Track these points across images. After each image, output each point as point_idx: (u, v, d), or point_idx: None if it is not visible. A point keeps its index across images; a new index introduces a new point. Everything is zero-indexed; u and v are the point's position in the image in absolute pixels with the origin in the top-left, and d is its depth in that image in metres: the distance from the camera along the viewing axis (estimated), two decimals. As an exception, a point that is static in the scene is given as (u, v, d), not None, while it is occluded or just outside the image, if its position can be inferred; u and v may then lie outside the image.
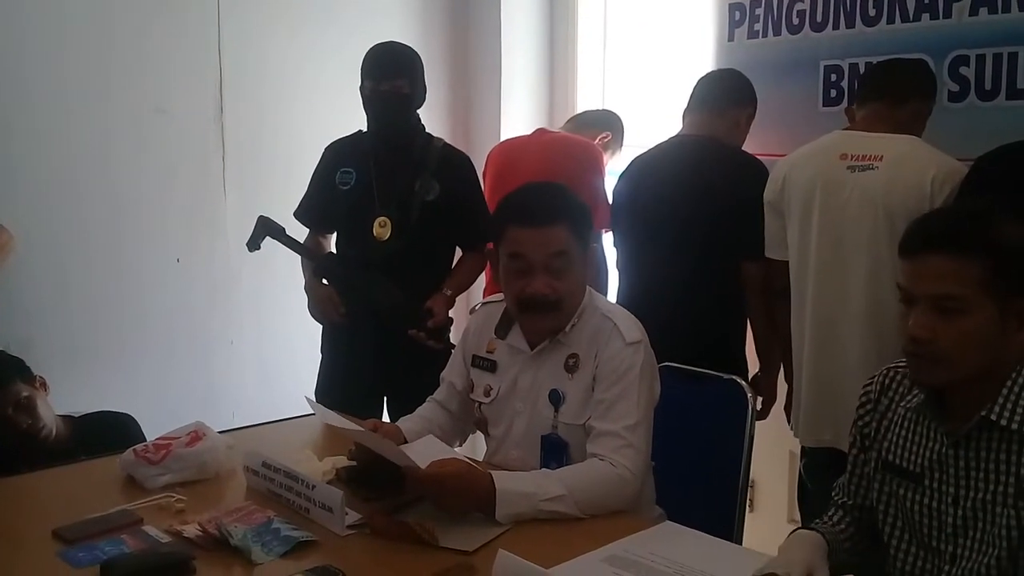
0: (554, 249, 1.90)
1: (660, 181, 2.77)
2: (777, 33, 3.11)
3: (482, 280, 3.24)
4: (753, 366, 2.81)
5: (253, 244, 2.77)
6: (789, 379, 2.71)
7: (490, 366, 2.07)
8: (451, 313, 2.80)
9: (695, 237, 2.68)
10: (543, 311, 1.93)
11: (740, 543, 2.08)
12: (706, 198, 2.66)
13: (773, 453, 3.04)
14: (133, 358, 3.29)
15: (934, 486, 1.53)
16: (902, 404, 1.61)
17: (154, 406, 2.97)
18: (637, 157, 2.96)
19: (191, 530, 1.66)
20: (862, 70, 2.83)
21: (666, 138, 2.89)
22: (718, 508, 2.14)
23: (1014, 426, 1.45)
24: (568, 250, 1.92)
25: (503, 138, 3.80)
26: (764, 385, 2.76)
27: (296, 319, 3.03)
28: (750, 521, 2.25)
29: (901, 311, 1.52)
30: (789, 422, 2.70)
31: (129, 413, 2.69)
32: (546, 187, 2.09)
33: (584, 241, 1.97)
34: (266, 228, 2.75)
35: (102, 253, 3.22)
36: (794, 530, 1.66)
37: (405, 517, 1.72)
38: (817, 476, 2.58)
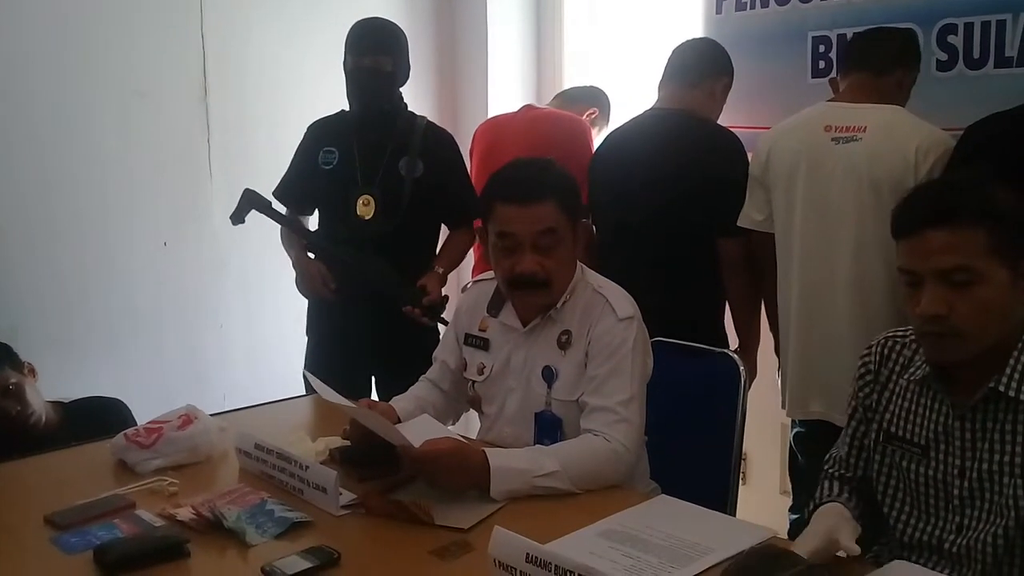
0: (542, 226, 1.89)
1: (634, 157, 2.73)
2: (765, 5, 3.10)
3: (470, 258, 3.23)
4: (732, 342, 2.79)
5: (237, 218, 2.72)
6: (779, 352, 2.71)
7: (483, 344, 2.06)
8: (443, 291, 2.79)
9: (669, 214, 2.65)
10: (533, 289, 1.93)
11: (734, 515, 2.09)
12: (679, 175, 2.63)
13: (765, 426, 3.04)
14: (122, 343, 3.28)
15: (939, 457, 1.53)
16: (904, 376, 1.60)
17: (144, 391, 2.96)
18: (612, 131, 2.93)
19: (184, 513, 1.66)
20: (850, 41, 2.82)
21: (641, 111, 2.84)
22: (711, 481, 2.14)
23: (1023, 396, 1.44)
24: (557, 227, 1.90)
25: (491, 116, 3.78)
26: (744, 361, 2.76)
27: (285, 301, 3.01)
28: (743, 493, 2.26)
29: (905, 294, 1.49)
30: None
31: (119, 398, 2.68)
32: (533, 163, 2.06)
33: (574, 216, 1.96)
34: (251, 201, 2.71)
35: (88, 238, 3.19)
36: (814, 508, 1.62)
37: (400, 496, 1.72)
38: (808, 448, 2.59)
